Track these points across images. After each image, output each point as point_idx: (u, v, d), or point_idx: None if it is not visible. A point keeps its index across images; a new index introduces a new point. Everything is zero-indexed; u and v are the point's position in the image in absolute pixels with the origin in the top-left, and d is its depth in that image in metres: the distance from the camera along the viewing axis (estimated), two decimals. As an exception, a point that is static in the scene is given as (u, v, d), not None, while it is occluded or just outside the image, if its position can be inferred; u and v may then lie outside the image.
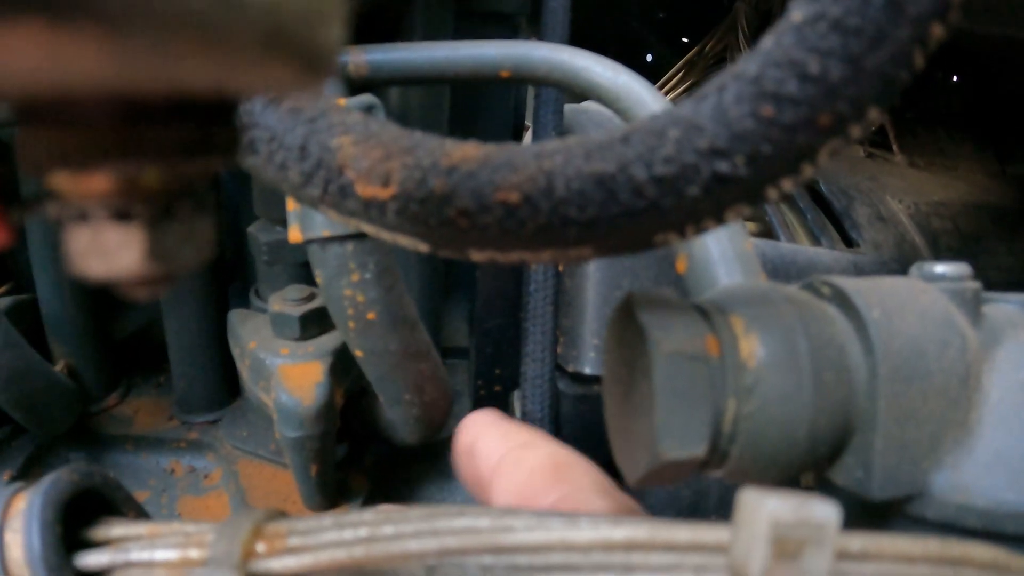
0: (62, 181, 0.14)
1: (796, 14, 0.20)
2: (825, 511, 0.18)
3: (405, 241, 0.25)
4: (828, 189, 0.89)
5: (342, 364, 0.66)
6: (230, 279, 0.86)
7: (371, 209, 0.24)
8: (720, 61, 1.39)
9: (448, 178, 0.23)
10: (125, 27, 0.09)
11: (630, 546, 0.20)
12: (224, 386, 0.81)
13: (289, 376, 0.62)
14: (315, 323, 0.67)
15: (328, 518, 0.23)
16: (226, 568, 0.22)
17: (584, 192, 0.22)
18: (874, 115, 0.20)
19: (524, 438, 0.28)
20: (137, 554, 0.26)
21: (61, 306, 0.76)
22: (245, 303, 0.77)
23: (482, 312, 0.75)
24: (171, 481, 0.75)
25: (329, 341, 0.67)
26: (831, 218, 0.87)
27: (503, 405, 0.77)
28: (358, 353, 0.58)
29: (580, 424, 0.62)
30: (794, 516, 0.18)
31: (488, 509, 0.22)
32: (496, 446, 0.28)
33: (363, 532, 0.22)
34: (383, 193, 0.24)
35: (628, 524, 0.20)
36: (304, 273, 0.72)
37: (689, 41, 1.52)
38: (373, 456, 0.77)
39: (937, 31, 0.19)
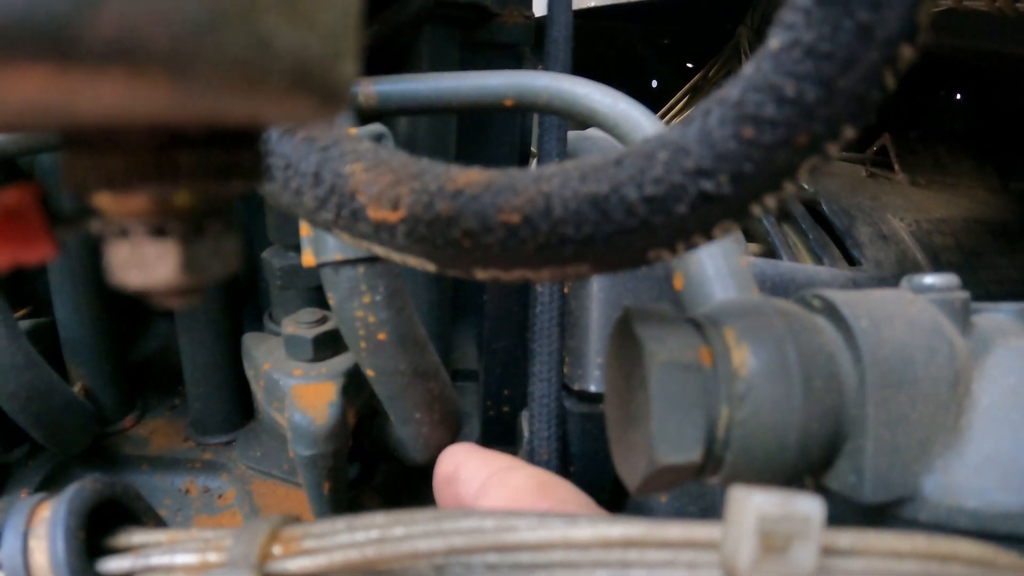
0: (104, 200, 0.16)
1: (774, 41, 0.21)
2: (810, 505, 0.19)
3: (413, 261, 0.27)
4: (830, 209, 0.90)
5: (354, 385, 0.67)
6: (244, 304, 0.88)
7: (381, 231, 0.26)
8: (723, 85, 1.40)
9: (454, 201, 0.24)
10: (185, 72, 0.11)
11: (627, 543, 0.21)
12: (238, 408, 0.82)
13: (302, 396, 0.64)
14: (327, 345, 0.68)
15: (341, 521, 0.24)
16: (243, 569, 0.24)
17: (580, 212, 0.23)
18: (849, 133, 0.22)
19: (506, 463, 0.29)
20: (158, 559, 0.27)
21: (79, 329, 0.77)
22: (259, 327, 0.78)
23: (490, 334, 0.76)
24: (186, 501, 0.77)
25: (341, 362, 0.68)
26: (833, 237, 0.88)
27: (511, 426, 0.77)
28: (369, 373, 0.59)
29: (586, 441, 0.63)
30: (780, 510, 0.19)
31: (493, 511, 0.23)
32: (478, 471, 0.29)
33: (374, 533, 0.23)
34: (393, 216, 0.25)
35: (624, 522, 0.21)
36: (316, 297, 0.74)
37: (693, 66, 1.54)
38: (384, 475, 0.78)
39: (906, 52, 0.20)
